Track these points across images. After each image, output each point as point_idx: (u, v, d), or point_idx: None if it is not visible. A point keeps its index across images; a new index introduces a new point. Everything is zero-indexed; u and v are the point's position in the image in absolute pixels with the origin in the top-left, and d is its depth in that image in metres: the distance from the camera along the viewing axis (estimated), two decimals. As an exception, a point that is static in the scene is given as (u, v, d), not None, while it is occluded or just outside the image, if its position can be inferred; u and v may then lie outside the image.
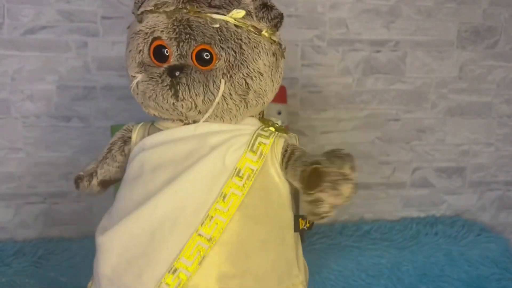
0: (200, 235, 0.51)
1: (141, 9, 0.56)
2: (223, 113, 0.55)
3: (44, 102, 0.99)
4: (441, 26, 1.10)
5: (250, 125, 0.58)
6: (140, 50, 0.55)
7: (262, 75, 0.55)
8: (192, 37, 0.53)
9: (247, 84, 0.54)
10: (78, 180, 0.65)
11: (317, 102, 1.09)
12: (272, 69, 0.56)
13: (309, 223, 0.59)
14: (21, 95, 0.98)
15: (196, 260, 0.51)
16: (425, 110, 1.14)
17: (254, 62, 0.54)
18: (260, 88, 0.55)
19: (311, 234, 1.06)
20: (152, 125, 0.62)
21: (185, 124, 0.57)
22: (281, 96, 0.97)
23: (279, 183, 0.56)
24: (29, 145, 1.00)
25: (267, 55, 0.55)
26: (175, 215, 0.52)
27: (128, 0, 0.98)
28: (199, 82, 0.52)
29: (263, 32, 0.55)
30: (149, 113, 0.59)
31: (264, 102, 0.58)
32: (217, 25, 0.52)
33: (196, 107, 0.54)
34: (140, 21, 0.56)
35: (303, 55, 1.06)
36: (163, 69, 0.54)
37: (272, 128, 0.58)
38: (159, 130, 0.59)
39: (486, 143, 1.18)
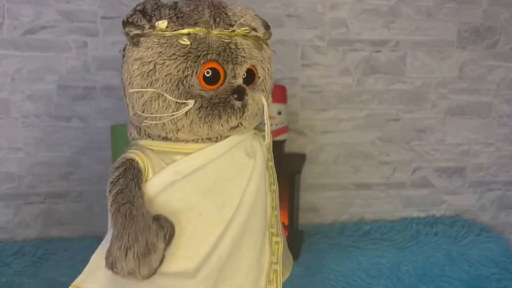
0: (272, 233, 0.58)
1: (173, 28, 0.52)
2: (258, 121, 0.59)
3: (44, 102, 0.99)
4: (441, 26, 1.10)
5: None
6: (188, 75, 0.51)
7: (271, 81, 0.60)
8: (245, 60, 0.54)
9: (270, 95, 0.60)
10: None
11: (317, 102, 1.09)
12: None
13: None
14: (21, 95, 0.98)
15: (278, 255, 0.58)
16: (425, 110, 1.14)
17: (273, 74, 0.60)
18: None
19: (311, 234, 1.06)
20: (155, 151, 0.55)
21: (212, 142, 0.56)
22: (281, 96, 0.97)
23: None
24: (29, 145, 1.00)
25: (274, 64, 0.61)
26: (257, 226, 0.57)
27: (128, 0, 0.98)
28: (254, 100, 0.55)
29: (269, 46, 0.60)
30: (170, 139, 0.55)
31: None
32: (260, 46, 0.56)
33: (250, 123, 0.56)
34: (178, 41, 0.51)
35: (303, 55, 1.06)
36: (228, 93, 0.53)
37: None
38: (179, 153, 0.55)
39: (486, 143, 1.18)
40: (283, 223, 0.99)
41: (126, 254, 0.46)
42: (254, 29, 0.55)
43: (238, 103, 0.53)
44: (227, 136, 0.56)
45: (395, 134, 1.14)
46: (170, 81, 0.51)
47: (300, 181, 1.02)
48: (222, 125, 0.53)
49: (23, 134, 1.00)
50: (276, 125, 0.95)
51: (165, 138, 0.55)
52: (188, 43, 0.51)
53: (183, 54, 0.51)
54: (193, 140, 0.55)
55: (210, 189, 0.54)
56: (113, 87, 1.01)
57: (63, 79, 0.99)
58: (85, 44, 0.99)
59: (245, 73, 0.55)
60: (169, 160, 0.54)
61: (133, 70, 0.52)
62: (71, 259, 0.95)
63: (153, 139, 0.55)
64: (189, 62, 0.51)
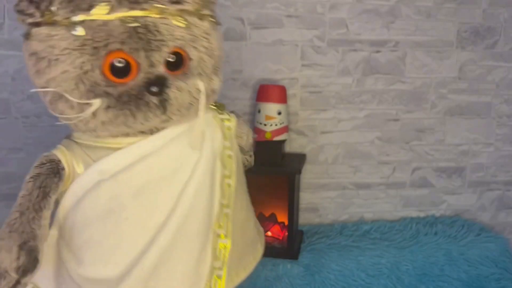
0: (218, 235, 0.52)
1: (64, 16, 0.43)
2: (193, 113, 0.50)
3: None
4: (440, 26, 1.10)
5: (206, 112, 0.54)
6: (88, 70, 0.43)
7: (222, 60, 0.52)
8: (164, 43, 0.45)
9: (216, 74, 0.51)
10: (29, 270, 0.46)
11: (317, 102, 1.09)
12: (223, 50, 0.53)
13: None
14: (21, 95, 0.98)
15: (223, 257, 0.52)
16: (425, 110, 1.14)
17: (218, 50, 0.51)
18: (221, 74, 0.53)
19: (311, 234, 1.06)
20: (82, 145, 0.50)
21: (146, 135, 0.50)
22: (281, 96, 0.97)
23: (239, 152, 0.59)
24: (29, 145, 1.00)
25: (221, 39, 0.52)
26: (196, 230, 0.51)
27: (128, 0, 0.98)
28: (183, 90, 0.47)
29: (215, 16, 0.52)
30: (96, 136, 0.49)
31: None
32: (185, 24, 0.46)
33: (180, 117, 0.48)
34: (73, 31, 0.42)
35: (303, 55, 1.06)
36: (141, 87, 0.44)
37: (214, 107, 0.56)
38: (106, 149, 0.49)
39: (485, 143, 1.18)
40: (283, 223, 0.99)
41: None
42: (177, 2, 0.46)
43: (154, 99, 0.45)
44: (164, 128, 0.49)
45: (395, 134, 1.14)
46: (68, 79, 0.44)
47: (300, 181, 1.02)
48: (142, 123, 0.46)
49: (23, 134, 1.00)
50: (276, 125, 0.95)
51: (95, 136, 0.49)
52: (82, 33, 0.43)
53: (78, 48, 0.43)
54: (123, 135, 0.48)
55: (140, 191, 0.48)
56: (113, 87, 1.01)
57: (63, 79, 0.99)
58: (85, 44, 0.99)
59: (174, 57, 0.47)
60: (96, 156, 0.49)
61: (30, 67, 0.46)
62: (71, 259, 0.95)
63: (84, 132, 0.50)
64: (86, 56, 0.43)
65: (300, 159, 1.03)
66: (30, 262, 0.43)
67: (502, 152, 1.19)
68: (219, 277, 0.52)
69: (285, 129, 0.97)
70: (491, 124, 1.17)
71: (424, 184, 1.18)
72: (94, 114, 0.45)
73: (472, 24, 1.11)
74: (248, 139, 0.64)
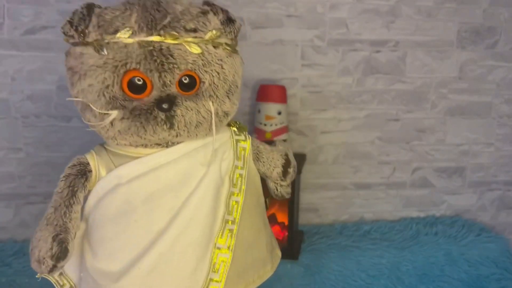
0: (218, 248, 0.56)
1: (95, 37, 0.52)
2: (205, 130, 0.56)
3: (44, 102, 0.99)
4: (441, 26, 1.10)
5: (222, 132, 0.60)
6: (109, 85, 0.51)
7: (237, 87, 0.58)
8: (176, 66, 0.51)
9: (229, 98, 0.56)
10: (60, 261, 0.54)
11: (317, 102, 1.09)
12: (240, 77, 0.59)
13: (267, 203, 0.68)
14: (21, 95, 0.98)
15: (222, 271, 0.55)
16: (425, 110, 1.14)
17: (232, 76, 0.56)
18: (237, 98, 0.58)
19: (311, 234, 1.06)
20: (109, 152, 0.58)
21: (162, 147, 0.55)
22: (281, 96, 0.97)
23: (256, 175, 0.63)
24: (29, 145, 1.00)
25: (238, 66, 0.58)
26: (194, 241, 0.55)
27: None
28: (191, 110, 0.53)
29: (232, 45, 0.57)
30: (117, 144, 0.56)
31: (237, 108, 0.60)
32: (200, 51, 0.52)
33: (188, 133, 0.54)
34: (98, 51, 0.51)
35: (303, 55, 1.06)
36: (152, 103, 0.51)
37: (234, 128, 0.62)
38: (128, 157, 0.55)
39: (486, 143, 1.18)
40: (283, 223, 0.99)
41: (31, 250, 0.53)
42: (193, 30, 0.52)
43: (162, 115, 0.51)
44: (180, 142, 0.55)
45: (395, 134, 1.14)
46: (93, 91, 0.52)
47: (300, 181, 1.02)
48: (151, 135, 0.52)
49: (23, 134, 1.00)
50: (276, 125, 0.95)
51: (119, 144, 0.55)
52: (105, 53, 0.51)
53: (101, 65, 0.51)
54: (142, 145, 0.55)
55: (149, 197, 0.54)
56: (113, 87, 1.01)
57: (63, 79, 0.99)
58: (85, 44, 0.99)
59: (186, 78, 0.53)
60: (118, 163, 0.55)
61: (67, 79, 0.55)
62: (71, 259, 0.95)
63: (107, 139, 0.56)
64: (107, 73, 0.51)
65: (300, 159, 1.03)
66: (61, 251, 0.52)
67: (502, 152, 1.19)
68: None
69: (285, 129, 0.97)
70: (492, 124, 1.17)
71: (425, 184, 1.17)
72: (111, 123, 0.52)
73: (472, 24, 1.11)
74: (275, 170, 0.66)
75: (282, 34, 1.05)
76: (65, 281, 0.59)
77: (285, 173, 0.67)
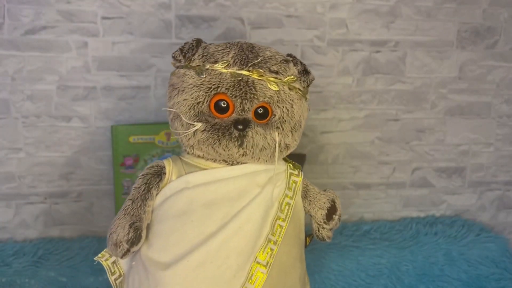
0: (258, 262, 0.61)
1: (197, 63, 0.63)
2: (266, 156, 0.64)
3: (44, 102, 0.99)
4: (441, 26, 1.10)
5: (279, 164, 0.68)
6: (200, 102, 0.62)
7: (300, 127, 0.67)
8: (256, 97, 0.62)
9: (292, 134, 0.65)
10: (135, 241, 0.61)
11: (317, 102, 1.09)
12: (305, 119, 0.68)
13: (307, 241, 0.73)
14: (21, 95, 0.98)
15: (257, 284, 0.60)
16: (425, 110, 1.14)
17: (298, 116, 0.66)
18: (298, 136, 0.67)
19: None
20: (183, 162, 0.66)
21: (228, 164, 0.64)
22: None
23: (301, 210, 0.70)
24: (29, 145, 1.00)
25: (305, 110, 0.67)
26: (238, 249, 0.61)
27: (128, 0, 0.98)
28: (260, 135, 0.62)
29: (304, 92, 0.67)
30: (192, 154, 0.65)
31: (297, 145, 0.69)
32: (277, 89, 0.63)
33: (253, 154, 0.62)
34: (198, 74, 0.62)
35: (303, 55, 1.06)
36: (230, 123, 0.61)
37: (291, 165, 0.70)
38: (198, 168, 0.65)
39: (485, 143, 1.18)
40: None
41: (109, 235, 0.60)
42: (275, 72, 0.63)
43: (235, 133, 0.60)
44: (244, 163, 0.64)
45: (395, 134, 1.14)
46: (185, 105, 0.63)
47: (300, 181, 1.02)
48: (223, 149, 0.61)
49: (23, 134, 1.00)
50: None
51: (193, 154, 0.65)
52: (203, 76, 0.62)
53: (198, 85, 0.62)
54: (212, 159, 0.64)
55: (209, 203, 0.62)
56: (113, 87, 1.01)
57: (63, 79, 0.99)
58: (85, 45, 0.99)
59: (261, 109, 0.63)
60: (188, 171, 0.65)
61: (168, 94, 0.66)
62: (71, 259, 0.95)
63: (188, 153, 0.66)
64: (201, 92, 0.62)
65: (300, 159, 1.03)
66: (136, 237, 0.59)
67: (502, 152, 1.19)
68: None
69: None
70: (491, 124, 1.17)
71: (424, 184, 1.18)
72: (194, 133, 0.62)
73: (472, 24, 1.11)
74: (319, 211, 0.71)
75: (282, 34, 1.05)
76: (116, 269, 0.66)
77: (329, 217, 0.71)
